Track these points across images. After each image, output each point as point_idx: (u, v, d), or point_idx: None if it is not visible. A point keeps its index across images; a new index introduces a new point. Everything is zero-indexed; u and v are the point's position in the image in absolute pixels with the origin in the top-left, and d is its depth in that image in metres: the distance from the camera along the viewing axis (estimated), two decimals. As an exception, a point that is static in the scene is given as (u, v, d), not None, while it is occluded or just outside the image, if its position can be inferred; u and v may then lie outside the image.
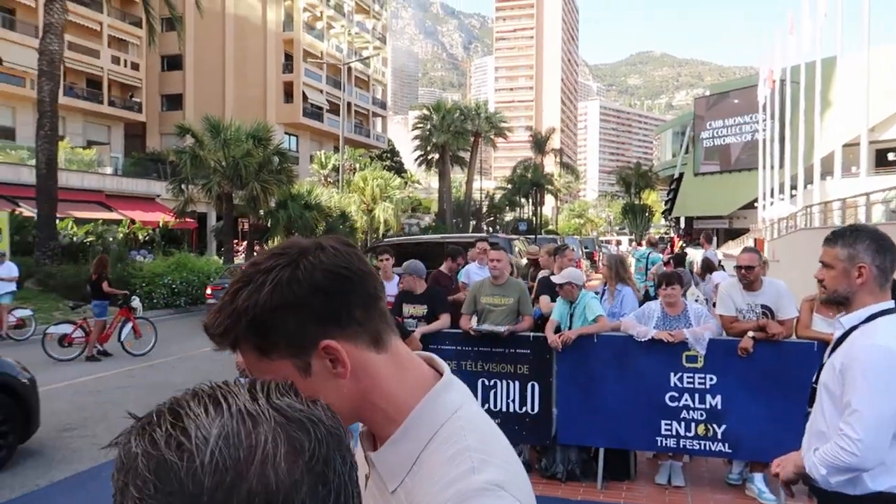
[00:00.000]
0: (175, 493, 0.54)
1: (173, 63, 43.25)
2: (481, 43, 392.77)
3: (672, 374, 4.92)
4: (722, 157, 47.13)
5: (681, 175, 51.94)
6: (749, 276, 4.72)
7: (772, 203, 34.57)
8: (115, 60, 38.52)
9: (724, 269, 12.43)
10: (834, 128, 27.11)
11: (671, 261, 10.69)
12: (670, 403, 4.93)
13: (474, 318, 5.62)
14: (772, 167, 33.55)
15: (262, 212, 23.95)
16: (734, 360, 4.75)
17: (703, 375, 4.87)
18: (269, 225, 24.76)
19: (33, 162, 22.77)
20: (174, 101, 43.78)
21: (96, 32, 37.09)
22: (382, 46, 58.26)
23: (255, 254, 25.68)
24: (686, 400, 4.91)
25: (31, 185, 21.36)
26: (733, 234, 43.27)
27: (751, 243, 30.60)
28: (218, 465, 0.55)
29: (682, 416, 4.91)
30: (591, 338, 5.10)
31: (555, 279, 5.51)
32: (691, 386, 4.90)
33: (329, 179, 37.35)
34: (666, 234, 49.24)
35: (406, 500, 0.88)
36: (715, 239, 26.73)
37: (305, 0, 45.81)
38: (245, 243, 26.74)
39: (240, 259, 25.38)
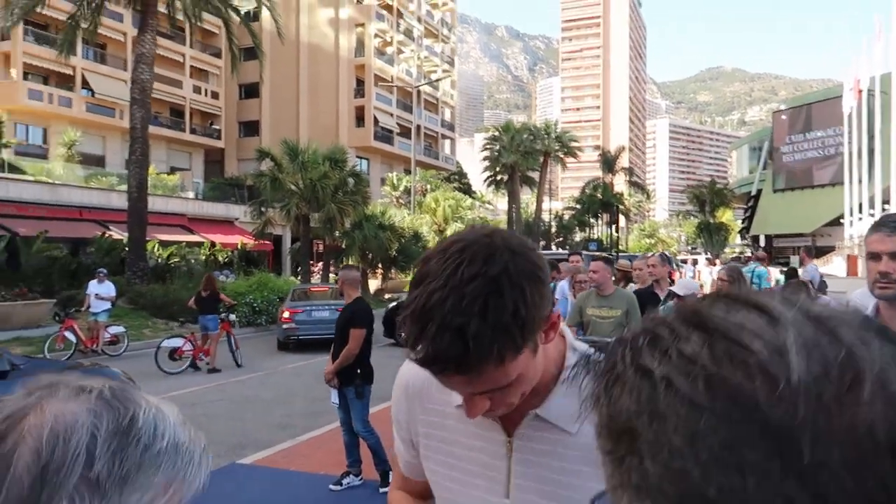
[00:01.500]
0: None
1: (250, 91, 44.92)
2: (546, 64, 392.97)
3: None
4: (803, 171, 45.16)
5: (758, 192, 50.02)
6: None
7: (860, 219, 32.73)
8: (197, 90, 40.32)
9: (825, 286, 11.77)
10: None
11: (786, 276, 10.21)
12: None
13: (576, 332, 5.41)
14: (859, 181, 31.86)
15: (337, 233, 24.36)
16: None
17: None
18: (344, 246, 25.16)
19: (123, 187, 23.93)
20: (251, 128, 45.39)
21: (180, 64, 38.94)
22: (451, 69, 58.95)
23: (330, 274, 26.14)
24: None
25: (120, 210, 22.40)
26: (818, 252, 41.19)
27: (840, 261, 29.02)
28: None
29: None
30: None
31: (676, 290, 5.23)
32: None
33: (401, 201, 37.78)
34: (742, 253, 47.38)
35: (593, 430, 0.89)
36: (796, 257, 25.50)
37: (376, 26, 46.91)
38: (321, 264, 27.22)
39: (316, 279, 25.84)
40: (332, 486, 5.39)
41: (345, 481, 5.48)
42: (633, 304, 5.34)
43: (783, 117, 47.78)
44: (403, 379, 1.21)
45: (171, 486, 0.64)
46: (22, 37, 31.47)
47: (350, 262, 26.11)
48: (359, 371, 5.36)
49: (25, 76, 32.08)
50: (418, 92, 49.26)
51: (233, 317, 12.75)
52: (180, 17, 21.30)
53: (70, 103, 33.34)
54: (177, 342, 11.67)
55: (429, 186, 38.47)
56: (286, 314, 14.23)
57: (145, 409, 0.65)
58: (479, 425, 1.07)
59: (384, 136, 47.12)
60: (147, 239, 21.81)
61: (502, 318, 0.83)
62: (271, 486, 5.46)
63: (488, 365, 0.85)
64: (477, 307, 0.83)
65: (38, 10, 19.48)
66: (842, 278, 20.04)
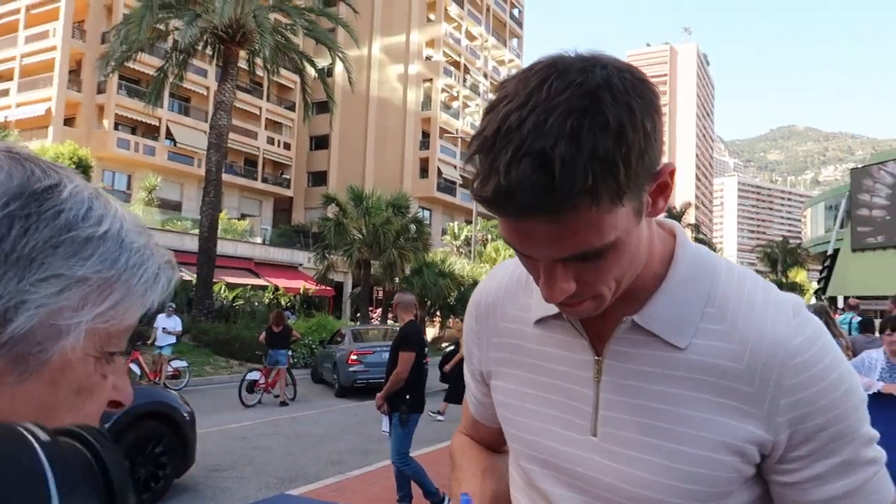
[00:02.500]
0: None
1: (320, 143, 46.44)
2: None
3: (905, 437, 4.06)
4: (886, 230, 42.95)
5: (836, 251, 47.78)
6: None
7: (951, 281, 30.73)
8: (270, 141, 41.99)
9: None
10: None
11: (861, 325, 9.42)
12: (905, 474, 4.04)
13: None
14: (950, 240, 29.99)
15: (397, 279, 24.41)
16: None
17: (948, 441, 3.97)
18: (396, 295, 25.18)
19: (195, 231, 24.80)
20: (319, 178, 46.72)
21: (256, 116, 40.75)
22: (514, 124, 59.51)
23: (388, 320, 26.11)
24: (926, 470, 4.00)
25: (191, 252, 23.15)
26: (904, 315, 38.73)
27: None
28: None
29: (921, 490, 4.00)
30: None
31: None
32: (933, 453, 4.00)
33: (461, 250, 37.78)
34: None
35: (716, 346, 0.76)
36: (878, 321, 23.97)
37: (444, 82, 48.05)
38: (379, 310, 27.27)
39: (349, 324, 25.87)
40: None
41: None
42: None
43: (862, 174, 45.85)
44: (474, 298, 1.01)
45: (109, 289, 0.49)
46: (115, 90, 33.67)
47: (398, 294, 26.11)
48: (407, 396, 5.15)
49: (116, 126, 34.16)
50: (482, 145, 49.86)
51: (290, 352, 13.12)
52: (259, 72, 22.31)
53: (154, 152, 35.23)
54: (255, 375, 12.10)
55: (489, 237, 38.36)
56: (353, 356, 13.08)
57: (80, 186, 0.49)
58: (562, 345, 0.86)
59: (447, 187, 47.64)
60: (215, 281, 22.42)
61: (600, 140, 0.62)
62: (319, 518, 5.22)
63: (579, 203, 0.64)
64: (568, 126, 0.62)
65: (130, 64, 20.75)
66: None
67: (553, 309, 0.85)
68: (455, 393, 9.58)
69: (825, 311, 5.50)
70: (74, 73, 34.06)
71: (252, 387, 11.83)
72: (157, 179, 32.87)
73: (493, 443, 1.07)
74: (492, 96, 0.71)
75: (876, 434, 0.78)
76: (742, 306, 0.78)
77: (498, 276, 0.99)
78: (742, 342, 0.76)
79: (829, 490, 0.75)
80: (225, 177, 29.99)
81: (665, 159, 0.72)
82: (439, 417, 9.68)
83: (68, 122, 33.63)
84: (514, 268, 0.96)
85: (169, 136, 36.07)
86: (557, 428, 0.86)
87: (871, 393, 4.10)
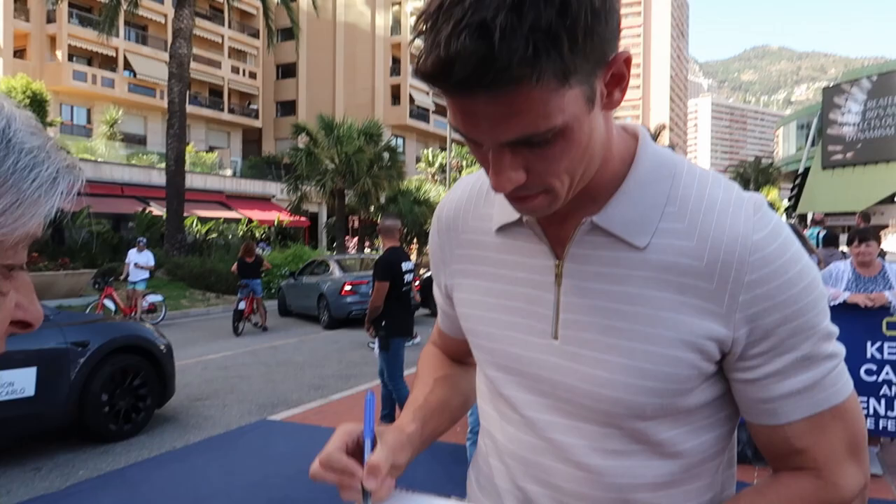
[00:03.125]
0: None
1: (287, 71, 45.02)
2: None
3: (869, 343, 4.19)
4: (855, 148, 43.47)
5: (806, 170, 48.35)
6: None
7: (916, 196, 31.43)
8: (235, 70, 40.60)
9: (884, 254, 11.14)
10: None
11: (825, 239, 9.56)
12: (867, 378, 4.20)
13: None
14: (917, 156, 30.49)
15: (372, 208, 24.26)
16: (951, 327, 3.98)
17: (909, 345, 4.11)
18: (378, 221, 25.07)
19: (162, 165, 24.20)
20: (288, 108, 45.56)
21: (218, 44, 39.23)
22: (486, 47, 58.15)
23: (366, 249, 26.10)
24: (887, 373, 4.16)
25: (160, 187, 22.68)
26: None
27: (894, 238, 27.88)
28: None
29: (881, 392, 4.17)
30: (766, 302, 4.45)
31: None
32: (894, 357, 4.15)
33: (436, 178, 37.49)
34: (789, 233, 45.75)
35: (675, 245, 0.76)
36: (845, 236, 24.56)
37: (412, 4, 46.42)
38: (356, 240, 27.21)
39: (351, 254, 25.85)
40: None
41: None
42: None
43: (834, 93, 45.93)
44: (437, 213, 1.00)
45: None
46: (67, 19, 32.01)
47: (381, 219, 26.12)
48: (383, 323, 5.21)
49: (70, 58, 32.67)
50: (454, 70, 48.77)
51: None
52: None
53: (112, 84, 33.90)
54: (243, 305, 12.30)
55: (464, 163, 38.05)
56: (348, 287, 12.53)
57: None
58: (522, 251, 0.85)
59: (420, 114, 46.81)
60: (186, 215, 22.07)
61: (543, 12, 0.59)
62: (301, 441, 5.32)
63: (520, 77, 0.60)
64: (514, 14, 0.59)
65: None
66: (895, 253, 19.19)
67: (514, 216, 0.84)
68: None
69: (795, 230, 5.58)
70: (21, 2, 32.22)
71: (240, 316, 12.08)
72: (119, 113, 31.77)
73: (458, 354, 1.08)
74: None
75: (835, 329, 0.78)
76: (702, 205, 0.77)
77: (459, 189, 0.98)
78: (702, 240, 0.75)
79: (789, 385, 0.76)
80: (190, 108, 29.12)
81: (639, 83, 0.68)
82: (415, 341, 9.81)
83: (18, 53, 32.05)
84: (475, 180, 0.95)
85: (128, 66, 34.67)
86: (519, 334, 0.85)
87: (837, 303, 4.20)
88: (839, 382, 0.78)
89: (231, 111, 40.54)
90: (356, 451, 0.80)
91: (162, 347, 5.91)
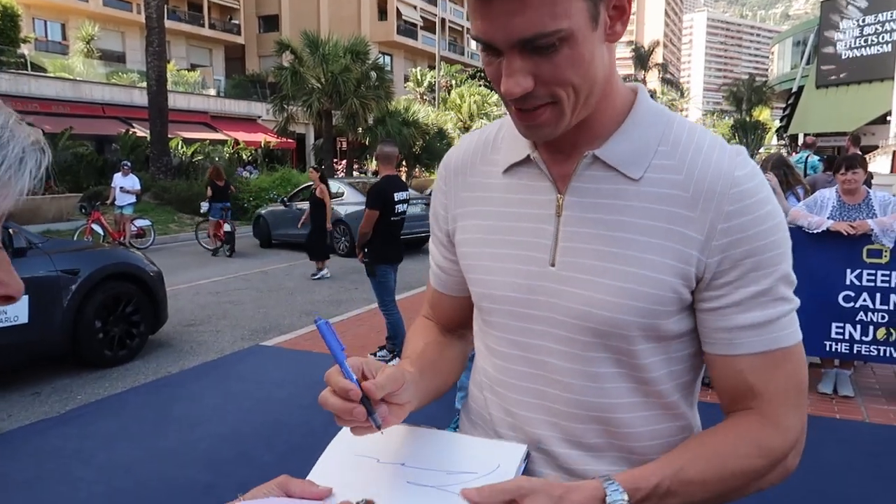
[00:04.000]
0: None
1: (269, -17, 43.15)
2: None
3: (848, 270, 4.28)
4: (850, 66, 42.75)
5: (800, 88, 47.67)
6: None
7: (908, 116, 31.23)
8: (214, -18, 38.82)
9: (871, 178, 11.15)
10: None
11: (825, 161, 9.50)
12: (845, 304, 4.31)
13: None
14: (912, 75, 30.10)
15: (360, 129, 23.87)
16: (929, 255, 4.06)
17: (887, 273, 4.21)
18: (367, 142, 24.71)
19: (144, 84, 23.50)
20: (271, 23, 43.92)
21: (195, -47, 37.34)
22: (477, -42, 55.71)
23: (354, 172, 25.86)
24: (865, 300, 4.27)
25: (142, 107, 22.07)
26: (861, 151, 39.59)
27: (883, 160, 27.84)
28: None
29: (857, 318, 4.30)
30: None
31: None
32: (872, 284, 4.25)
33: (425, 98, 36.73)
34: (778, 152, 45.64)
35: (666, 178, 0.84)
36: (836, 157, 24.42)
37: (398, -90, 44.13)
38: (344, 162, 26.91)
39: (339, 177, 25.62)
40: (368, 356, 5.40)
41: (378, 354, 5.56)
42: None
43: (831, 7, 44.70)
44: (444, 162, 1.06)
45: None
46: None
47: (373, 159, 25.80)
48: (366, 250, 5.29)
49: (39, -32, 31.06)
50: (443, -18, 46.90)
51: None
52: None
53: (86, -4, 32.40)
54: (228, 227, 12.48)
55: (454, 82, 37.19)
56: None
57: None
58: (527, 189, 0.92)
59: (408, 30, 45.34)
60: (170, 137, 21.61)
61: None
62: (294, 366, 5.45)
63: None
64: None
65: None
66: (885, 175, 19.27)
67: (521, 155, 0.91)
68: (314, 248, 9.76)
69: (784, 163, 5.56)
70: None
71: (230, 238, 12.31)
72: (95, 28, 30.55)
73: (451, 320, 1.11)
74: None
75: (794, 279, 0.84)
76: (691, 146, 0.85)
77: (466, 140, 1.05)
78: (689, 173, 0.83)
79: (747, 318, 0.82)
80: (168, 24, 28.00)
81: None
82: (323, 275, 9.72)
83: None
84: (482, 133, 1.02)
85: (102, -22, 33.07)
86: (518, 264, 0.90)
87: (820, 230, 4.26)
88: (791, 327, 0.84)
89: (212, 26, 39.07)
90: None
91: (152, 274, 5.95)
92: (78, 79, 26.18)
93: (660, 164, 0.85)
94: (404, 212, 5.47)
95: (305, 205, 13.45)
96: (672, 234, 0.82)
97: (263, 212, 14.27)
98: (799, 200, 5.04)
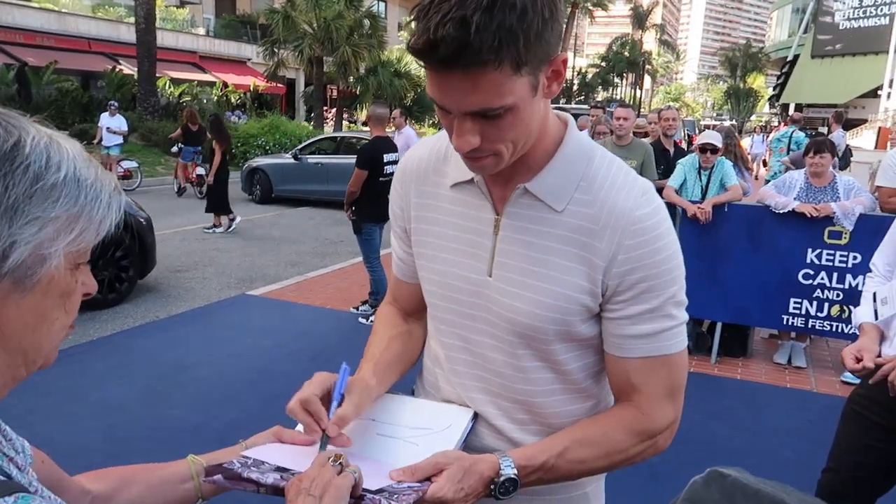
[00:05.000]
0: None
1: (262, -81, 41.72)
2: None
3: (809, 249, 4.51)
4: (847, 37, 42.56)
5: (795, 57, 47.47)
6: None
7: (899, 91, 31.33)
8: (206, -85, 37.49)
9: (850, 155, 11.36)
10: None
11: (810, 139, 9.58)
12: (803, 281, 4.56)
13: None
14: (906, 50, 30.10)
15: (351, 78, 23.61)
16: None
17: (845, 253, 4.44)
18: (358, 92, 24.48)
19: (131, 20, 22.95)
20: (263, -39, 42.65)
21: None
22: None
23: (343, 122, 25.66)
24: (822, 278, 4.52)
25: (129, 43, 21.60)
26: (848, 124, 39.74)
27: (870, 134, 28.06)
28: None
29: (815, 294, 4.55)
30: (722, 207, 4.70)
31: (699, 139, 5.06)
32: (830, 264, 4.49)
33: (418, 48, 36.18)
34: (769, 122, 45.74)
35: (582, 211, 0.99)
36: (825, 129, 24.56)
37: None
38: (334, 110, 26.67)
39: (329, 125, 25.42)
40: (360, 320, 5.61)
41: (361, 308, 5.77)
42: (650, 154, 5.21)
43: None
44: (402, 165, 1.21)
45: (75, 221, 0.62)
46: None
47: (363, 109, 25.56)
48: (353, 208, 5.43)
49: None
50: (443, -72, 45.56)
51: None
52: None
53: (70, -76, 31.24)
54: (201, 170, 12.46)
55: (449, 34, 36.63)
56: None
57: (35, 137, 0.61)
58: (470, 205, 1.07)
59: (404, -24, 44.23)
60: (158, 76, 21.27)
61: (508, 16, 0.80)
62: (279, 316, 5.65)
63: (487, 61, 0.81)
64: (485, 2, 0.79)
65: None
66: (869, 151, 19.51)
67: (467, 175, 1.06)
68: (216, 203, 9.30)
69: (730, 134, 5.75)
70: None
71: (200, 181, 12.37)
72: (81, -42, 29.56)
73: (411, 305, 1.28)
74: None
75: (684, 300, 1.02)
76: (606, 183, 1.00)
77: (422, 148, 1.19)
78: (600, 208, 0.99)
79: (636, 329, 1.01)
80: (158, -43, 27.20)
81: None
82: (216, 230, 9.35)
83: None
84: (435, 142, 1.16)
85: None
86: (462, 270, 1.09)
87: (786, 210, 4.47)
88: (674, 339, 1.02)
89: (202, -38, 37.92)
90: (326, 401, 1.01)
91: (142, 220, 6.07)
92: (63, 10, 25.50)
93: (579, 198, 1.00)
94: (392, 172, 5.59)
95: (324, 158, 12.37)
96: (583, 259, 0.99)
97: (261, 163, 13.06)
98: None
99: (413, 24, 0.85)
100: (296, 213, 11.70)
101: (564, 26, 0.94)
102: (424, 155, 1.16)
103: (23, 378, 0.67)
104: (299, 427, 1.03)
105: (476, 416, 1.11)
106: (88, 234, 0.64)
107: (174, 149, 13.35)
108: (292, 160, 12.62)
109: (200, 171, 12.52)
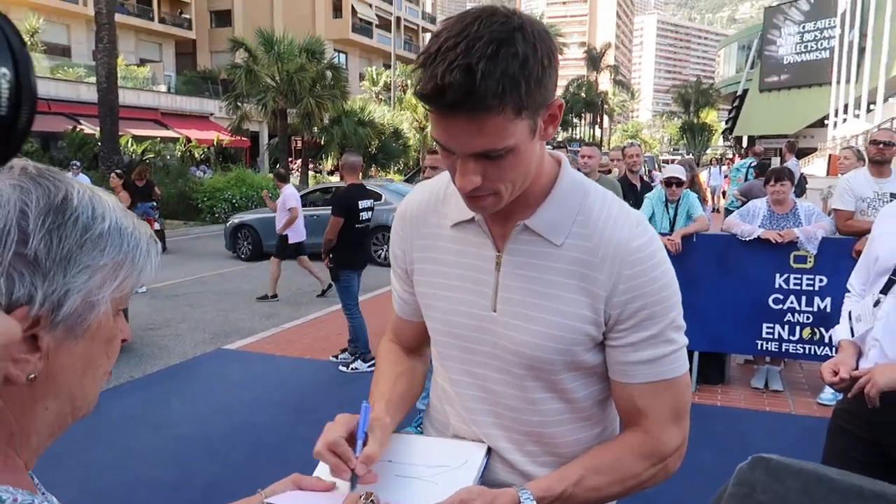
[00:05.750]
0: None
1: (221, -23, 42.41)
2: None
3: (777, 275, 4.65)
4: (791, 71, 44.48)
5: (745, 92, 49.37)
6: (885, 153, 4.28)
7: (844, 120, 32.69)
8: (164, -25, 37.96)
9: (806, 182, 11.76)
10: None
11: (756, 169, 9.97)
12: (774, 306, 4.68)
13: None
14: (847, 81, 31.58)
15: (316, 129, 23.80)
16: (848, 261, 4.42)
17: (811, 277, 4.59)
18: (322, 142, 24.65)
19: (91, 79, 22.90)
20: (223, 18, 43.18)
21: (144, -54, 36.46)
22: (432, -43, 55.89)
23: (309, 171, 25.73)
24: (791, 302, 4.65)
25: (90, 103, 21.52)
26: (800, 153, 41.17)
27: (821, 162, 29.12)
28: None
29: (786, 318, 4.67)
30: (690, 238, 4.84)
31: (664, 173, 5.23)
32: (798, 288, 4.63)
33: (381, 97, 36.73)
34: (723, 154, 47.24)
35: (581, 244, 1.04)
36: (778, 159, 25.56)
37: None
38: (299, 161, 26.77)
39: (295, 176, 25.49)
40: (340, 368, 5.56)
41: (341, 356, 5.72)
42: (618, 190, 5.33)
43: (774, 13, 46.41)
44: (402, 209, 1.24)
45: (119, 269, 0.65)
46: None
47: (328, 159, 25.73)
48: (331, 255, 5.45)
49: (-23, -43, 29.89)
50: (399, -19, 46.88)
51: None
52: None
53: (28, -13, 31.32)
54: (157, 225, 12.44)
55: (409, 82, 37.28)
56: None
57: (79, 190, 0.64)
58: (471, 244, 1.11)
59: (363, 28, 45.20)
60: (120, 134, 21.15)
61: (511, 64, 0.85)
62: (258, 369, 5.57)
63: (491, 107, 0.86)
64: (489, 50, 0.84)
65: None
66: (821, 177, 20.19)
67: (467, 215, 1.10)
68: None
69: (689, 164, 6.01)
70: None
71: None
72: (40, 21, 29.60)
73: (413, 342, 1.31)
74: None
75: (683, 324, 1.08)
76: (602, 216, 1.05)
77: (420, 192, 1.24)
78: (598, 241, 1.03)
79: (639, 355, 1.05)
80: (117, 17, 27.39)
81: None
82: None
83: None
84: (434, 185, 1.21)
85: (46, -32, 31.99)
86: (466, 307, 1.13)
87: (752, 238, 4.62)
88: (676, 363, 1.07)
89: (162, 20, 38.19)
90: (350, 441, 1.03)
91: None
92: (21, 73, 25.33)
93: (577, 231, 1.04)
94: (369, 219, 5.64)
95: (318, 210, 11.21)
96: (584, 290, 1.03)
97: (247, 219, 12.30)
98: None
99: (419, 71, 0.89)
100: (266, 265, 11.59)
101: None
102: (424, 198, 1.21)
103: (68, 425, 0.68)
104: (317, 472, 1.04)
105: (490, 450, 1.13)
106: (131, 279, 0.67)
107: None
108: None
109: (157, 225, 12.47)
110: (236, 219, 12.64)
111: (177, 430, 4.31)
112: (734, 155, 42.92)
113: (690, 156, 44.74)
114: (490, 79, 0.84)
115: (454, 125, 0.89)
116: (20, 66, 0.56)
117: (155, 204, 12.48)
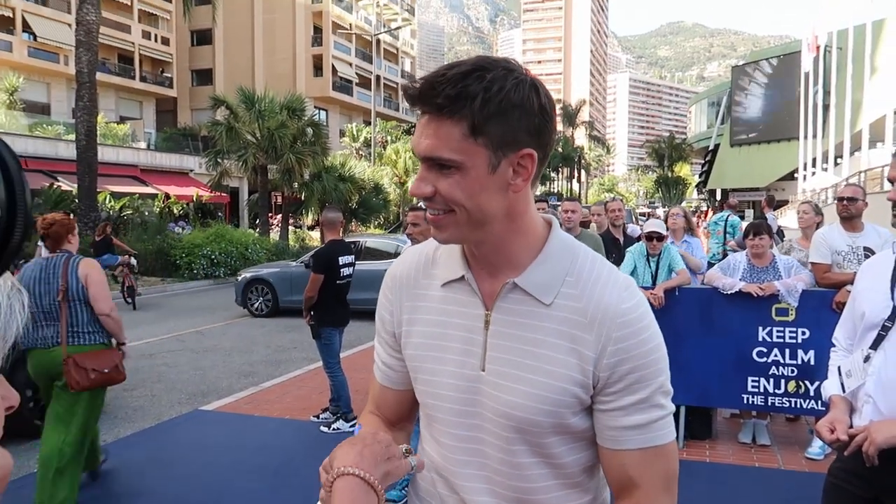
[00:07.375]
0: None
1: (203, 38, 43.20)
2: (507, 15, 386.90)
3: (760, 328, 4.67)
4: (760, 127, 45.88)
5: (716, 146, 50.76)
6: (850, 209, 4.37)
7: (813, 173, 33.67)
8: (146, 35, 38.55)
9: (783, 234, 11.99)
10: (884, 93, 26.07)
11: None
12: (758, 359, 4.68)
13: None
14: (814, 136, 32.63)
15: (296, 184, 23.88)
16: (829, 313, 4.46)
17: (794, 329, 4.61)
18: (303, 197, 24.70)
19: (70, 137, 22.92)
20: (204, 77, 43.81)
21: (127, 7, 37.12)
22: (411, 18, 57.55)
23: (289, 227, 25.70)
24: (776, 355, 4.65)
25: (68, 160, 21.47)
26: (773, 209, 42.08)
27: (793, 214, 29.85)
28: None
29: (770, 372, 4.66)
30: (673, 292, 4.86)
31: (645, 228, 5.28)
32: (781, 340, 4.64)
33: (361, 153, 37.13)
34: (698, 207, 48.19)
35: (570, 305, 1.03)
36: (751, 211, 26.06)
37: (333, -28, 45.30)
38: (279, 216, 26.75)
39: (275, 232, 25.42)
40: (322, 428, 5.42)
41: (322, 416, 5.59)
42: (600, 244, 5.38)
43: (741, 72, 48.14)
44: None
45: None
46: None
47: (309, 214, 25.74)
48: (311, 313, 5.37)
49: (-40, 18, 30.18)
50: (378, 41, 48.01)
51: (133, 262, 13.79)
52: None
53: (10, 47, 31.57)
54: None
55: (389, 138, 37.81)
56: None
57: None
58: (460, 303, 1.10)
59: (343, 86, 46.08)
60: (98, 190, 21.04)
61: (474, 82, 0.93)
62: (235, 431, 5.41)
63: (442, 105, 0.93)
64: (460, 75, 0.94)
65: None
66: (794, 229, 20.62)
67: (457, 273, 1.11)
68: None
69: (686, 215, 6.20)
70: None
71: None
72: (20, 80, 29.72)
73: (395, 414, 1.26)
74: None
75: (670, 389, 1.06)
76: (591, 277, 1.05)
77: (409, 255, 1.24)
78: (587, 302, 1.03)
79: (629, 420, 1.03)
80: (99, 76, 27.59)
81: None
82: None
83: None
84: (423, 249, 1.21)
85: (27, 29, 32.33)
86: (455, 367, 1.10)
87: (733, 291, 4.65)
88: (665, 429, 1.05)
89: (143, 79, 38.56)
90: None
91: (87, 340, 5.82)
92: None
93: (567, 292, 1.04)
94: (350, 275, 5.58)
95: (378, 264, 10.37)
96: (573, 351, 1.02)
97: (262, 273, 12.00)
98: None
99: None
100: (244, 321, 11.44)
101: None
102: (413, 260, 1.20)
103: None
104: None
105: None
106: (7, 342, 0.66)
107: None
108: (302, 268, 11.22)
109: (128, 283, 12.82)
110: (248, 273, 12.25)
111: (150, 498, 4.13)
112: (708, 208, 43.85)
113: (666, 208, 45.51)
114: (449, 84, 0.92)
115: (420, 126, 0.97)
116: (15, 187, 0.56)
117: (118, 259, 13.07)
